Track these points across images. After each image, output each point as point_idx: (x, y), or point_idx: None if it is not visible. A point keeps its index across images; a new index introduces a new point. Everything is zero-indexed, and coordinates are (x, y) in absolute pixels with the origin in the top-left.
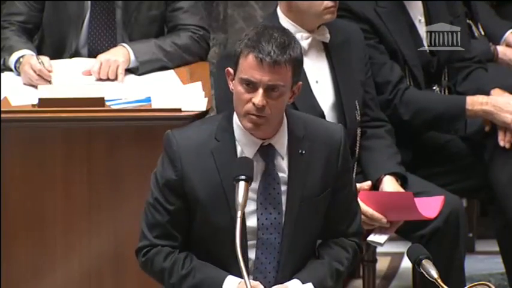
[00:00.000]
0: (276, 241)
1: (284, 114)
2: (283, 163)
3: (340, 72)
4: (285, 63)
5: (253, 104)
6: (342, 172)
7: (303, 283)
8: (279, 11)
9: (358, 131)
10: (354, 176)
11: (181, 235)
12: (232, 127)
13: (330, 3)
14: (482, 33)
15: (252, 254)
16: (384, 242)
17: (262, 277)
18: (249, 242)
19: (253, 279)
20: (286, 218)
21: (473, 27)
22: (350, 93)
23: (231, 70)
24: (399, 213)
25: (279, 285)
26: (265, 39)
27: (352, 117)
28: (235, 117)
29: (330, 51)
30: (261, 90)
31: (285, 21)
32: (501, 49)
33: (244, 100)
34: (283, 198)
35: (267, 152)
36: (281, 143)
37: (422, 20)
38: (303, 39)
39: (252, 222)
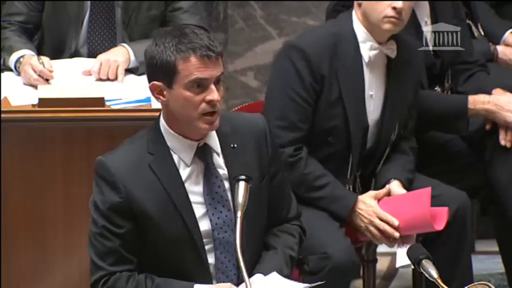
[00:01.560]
0: (231, 238)
1: None
2: (219, 160)
3: (392, 91)
4: (221, 52)
5: (210, 101)
6: (273, 158)
7: (264, 275)
8: (353, 14)
9: (388, 150)
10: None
11: (135, 257)
12: (163, 137)
13: (391, 12)
14: (482, 33)
15: (211, 258)
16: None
17: (225, 277)
18: (206, 247)
19: (217, 282)
20: (235, 213)
21: (473, 28)
22: (394, 114)
23: (158, 83)
24: (411, 217)
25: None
26: (194, 37)
27: (386, 137)
28: (163, 126)
29: (391, 68)
30: (213, 86)
31: (357, 26)
32: (501, 49)
33: (196, 103)
34: (229, 195)
35: (203, 152)
36: (214, 140)
37: (429, 21)
38: (372, 49)
39: (205, 225)
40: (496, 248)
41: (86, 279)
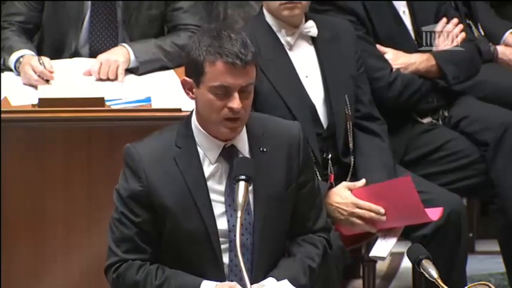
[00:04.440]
0: (248, 242)
1: None
2: None
3: (328, 66)
4: (252, 61)
5: (231, 108)
6: (304, 167)
7: (277, 281)
8: (264, 9)
9: (349, 125)
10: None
11: (150, 247)
12: (192, 132)
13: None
14: (482, 33)
15: (225, 259)
16: (387, 256)
17: (238, 279)
18: (222, 247)
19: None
20: (255, 217)
21: (473, 27)
22: (339, 87)
23: (188, 80)
24: (399, 205)
25: (255, 285)
26: (227, 42)
27: (340, 111)
28: (193, 122)
29: (318, 46)
30: (236, 94)
31: (269, 18)
32: (501, 49)
33: (218, 108)
34: (251, 197)
35: (230, 153)
36: (242, 142)
37: (407, 11)
38: (288, 35)
39: (222, 224)
40: (496, 248)
41: (86, 279)
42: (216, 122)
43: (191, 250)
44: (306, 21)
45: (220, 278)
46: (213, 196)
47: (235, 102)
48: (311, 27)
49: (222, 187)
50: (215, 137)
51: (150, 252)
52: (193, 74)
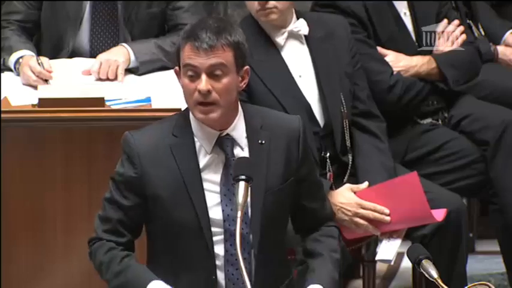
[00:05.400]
0: (244, 231)
1: (240, 106)
2: (243, 154)
3: (321, 65)
4: (222, 46)
5: (199, 91)
6: (303, 161)
7: (323, 284)
8: None
9: (346, 123)
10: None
11: (129, 233)
12: (189, 122)
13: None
14: (482, 33)
15: (221, 249)
16: (393, 258)
17: (234, 269)
18: (217, 237)
19: (225, 274)
20: (252, 208)
21: (473, 27)
22: (333, 86)
23: (177, 68)
24: (404, 203)
25: None
26: (200, 28)
27: (335, 110)
28: (190, 112)
29: (310, 44)
30: (203, 76)
31: (259, 20)
32: (501, 49)
33: (191, 91)
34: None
35: (225, 143)
36: (239, 133)
37: (408, 13)
38: (277, 35)
39: (216, 214)
40: (496, 248)
41: (86, 279)
42: (192, 107)
43: (182, 241)
44: (297, 19)
45: (211, 267)
46: (208, 186)
47: (202, 84)
48: (301, 26)
49: (217, 177)
50: (208, 125)
51: (127, 238)
52: (178, 62)
